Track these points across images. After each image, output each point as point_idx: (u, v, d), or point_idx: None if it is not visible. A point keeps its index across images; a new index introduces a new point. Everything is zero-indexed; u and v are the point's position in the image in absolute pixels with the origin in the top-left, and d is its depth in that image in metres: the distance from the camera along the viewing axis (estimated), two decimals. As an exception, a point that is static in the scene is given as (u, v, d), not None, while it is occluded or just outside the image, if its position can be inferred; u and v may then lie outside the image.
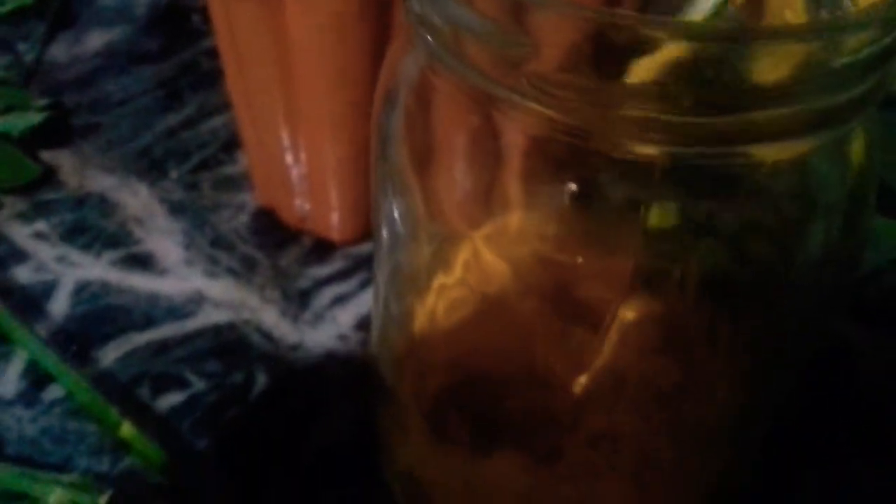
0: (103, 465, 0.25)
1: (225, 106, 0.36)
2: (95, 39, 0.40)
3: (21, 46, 0.39)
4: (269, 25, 0.27)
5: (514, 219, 0.21)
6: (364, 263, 0.31)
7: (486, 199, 0.20)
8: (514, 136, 0.18)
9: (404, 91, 0.18)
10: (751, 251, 0.19)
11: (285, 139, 0.30)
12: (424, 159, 0.19)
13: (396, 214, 0.19)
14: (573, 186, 0.20)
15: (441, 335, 0.20)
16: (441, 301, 0.19)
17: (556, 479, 0.18)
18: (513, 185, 0.20)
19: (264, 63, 0.28)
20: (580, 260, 0.20)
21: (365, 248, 0.31)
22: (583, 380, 0.18)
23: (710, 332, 0.20)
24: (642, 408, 0.20)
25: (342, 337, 0.28)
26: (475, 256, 0.19)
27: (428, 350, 0.20)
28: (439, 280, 0.20)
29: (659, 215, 0.19)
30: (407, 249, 0.20)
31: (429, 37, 0.16)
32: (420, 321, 0.20)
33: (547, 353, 0.19)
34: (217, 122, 0.36)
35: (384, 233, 0.20)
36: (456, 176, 0.20)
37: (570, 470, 0.18)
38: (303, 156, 0.30)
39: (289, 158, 0.30)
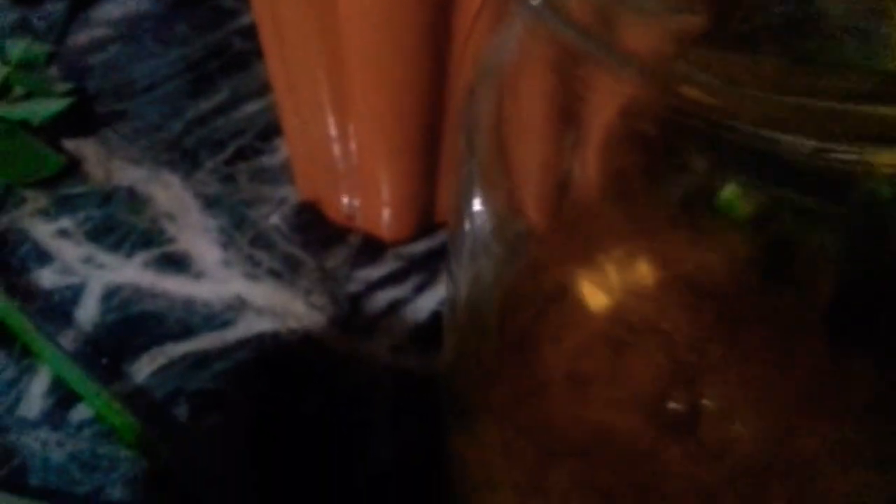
0: (138, 495, 0.22)
1: (261, 90, 0.33)
2: (118, 18, 0.37)
3: (39, 26, 0.37)
4: (314, -1, 0.24)
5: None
6: (419, 264, 0.28)
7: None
8: (606, 104, 0.15)
9: (494, 76, 0.16)
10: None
11: (332, 126, 0.27)
12: (512, 149, 0.17)
13: (482, 213, 0.16)
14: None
15: (548, 355, 0.17)
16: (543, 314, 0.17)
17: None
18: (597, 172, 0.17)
19: (309, 40, 0.25)
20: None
21: (418, 246, 0.28)
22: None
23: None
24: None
25: (398, 348, 0.26)
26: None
27: (530, 375, 0.17)
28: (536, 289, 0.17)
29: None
30: (493, 252, 0.17)
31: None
32: (516, 334, 0.17)
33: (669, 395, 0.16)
34: (252, 107, 0.33)
35: (467, 233, 0.17)
36: (544, 159, 0.17)
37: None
38: (351, 144, 0.27)
39: (336, 147, 0.27)
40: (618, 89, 0.13)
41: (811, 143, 0.11)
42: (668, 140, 0.15)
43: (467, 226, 0.18)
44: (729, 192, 0.17)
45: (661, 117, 0.14)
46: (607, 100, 0.14)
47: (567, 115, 0.16)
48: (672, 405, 0.17)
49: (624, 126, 0.16)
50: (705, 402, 0.17)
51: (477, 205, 0.18)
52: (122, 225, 0.29)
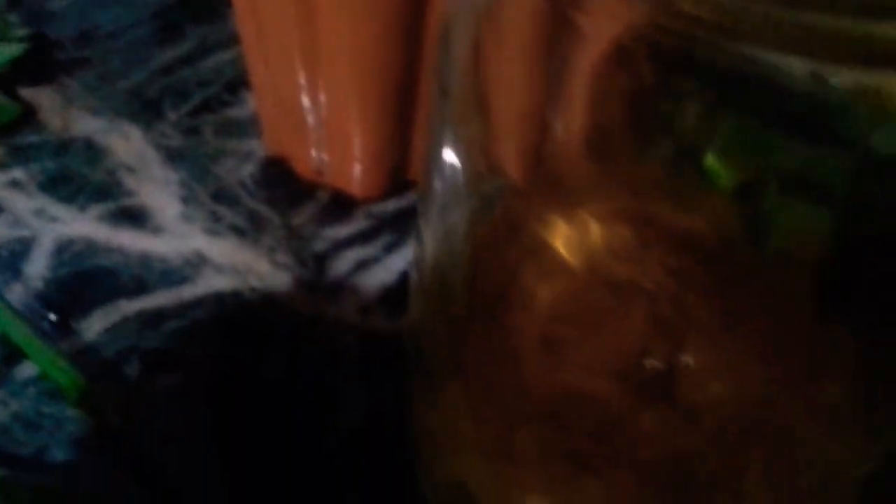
0: (84, 457, 0.21)
1: (230, 40, 0.32)
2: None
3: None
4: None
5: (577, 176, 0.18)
6: (390, 222, 0.27)
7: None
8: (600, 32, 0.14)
9: (472, 10, 0.14)
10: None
11: (302, 78, 0.25)
12: (490, 94, 0.15)
13: (453, 164, 0.15)
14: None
15: (520, 312, 0.16)
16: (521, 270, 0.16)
17: None
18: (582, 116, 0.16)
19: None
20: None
21: (389, 205, 0.27)
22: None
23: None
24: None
25: (365, 310, 0.24)
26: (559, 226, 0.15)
27: (501, 334, 0.16)
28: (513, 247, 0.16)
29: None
30: (465, 206, 0.16)
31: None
32: (488, 291, 0.16)
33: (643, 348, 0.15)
34: (221, 58, 0.32)
35: (437, 186, 0.16)
36: (526, 102, 0.16)
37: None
38: (321, 97, 0.25)
39: (305, 100, 0.26)
40: (614, 11, 0.12)
41: (810, 66, 0.10)
42: (660, 75, 0.14)
43: (437, 179, 0.17)
44: (712, 159, 0.16)
45: (655, 47, 0.12)
46: (601, 26, 0.13)
47: (554, 49, 0.14)
48: (649, 362, 0.16)
49: (614, 68, 0.15)
50: (683, 361, 0.16)
51: (449, 155, 0.17)
52: (77, 177, 0.28)
